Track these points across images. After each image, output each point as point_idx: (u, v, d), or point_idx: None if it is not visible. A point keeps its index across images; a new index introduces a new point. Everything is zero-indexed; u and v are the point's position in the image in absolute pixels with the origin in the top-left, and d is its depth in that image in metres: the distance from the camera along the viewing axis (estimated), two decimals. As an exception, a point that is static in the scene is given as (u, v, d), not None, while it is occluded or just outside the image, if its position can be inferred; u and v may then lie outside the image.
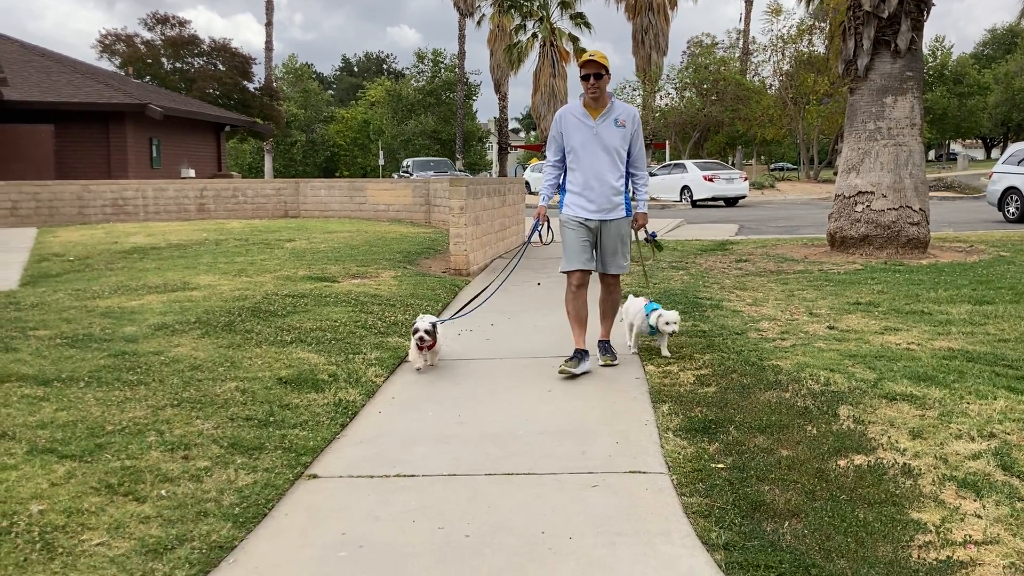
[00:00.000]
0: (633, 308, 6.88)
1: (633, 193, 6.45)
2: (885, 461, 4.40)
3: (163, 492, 4.11)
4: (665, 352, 6.63)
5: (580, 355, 6.31)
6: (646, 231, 6.66)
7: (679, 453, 4.62)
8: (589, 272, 6.41)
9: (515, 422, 5.28)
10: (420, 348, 6.33)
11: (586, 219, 6.30)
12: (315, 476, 4.47)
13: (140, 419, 5.04)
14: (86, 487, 4.10)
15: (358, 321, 7.94)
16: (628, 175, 6.45)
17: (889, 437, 4.75)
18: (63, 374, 5.87)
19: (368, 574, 3.44)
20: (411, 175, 39.33)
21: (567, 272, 6.39)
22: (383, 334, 7.55)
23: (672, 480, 4.30)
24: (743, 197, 32.20)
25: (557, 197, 6.53)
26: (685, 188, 32.00)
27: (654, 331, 6.60)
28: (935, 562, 3.40)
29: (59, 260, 12.50)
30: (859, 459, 4.44)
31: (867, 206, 12.14)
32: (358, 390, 5.88)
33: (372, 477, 4.45)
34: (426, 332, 6.23)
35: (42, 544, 3.55)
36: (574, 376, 6.17)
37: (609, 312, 6.70)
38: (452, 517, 3.95)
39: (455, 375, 6.41)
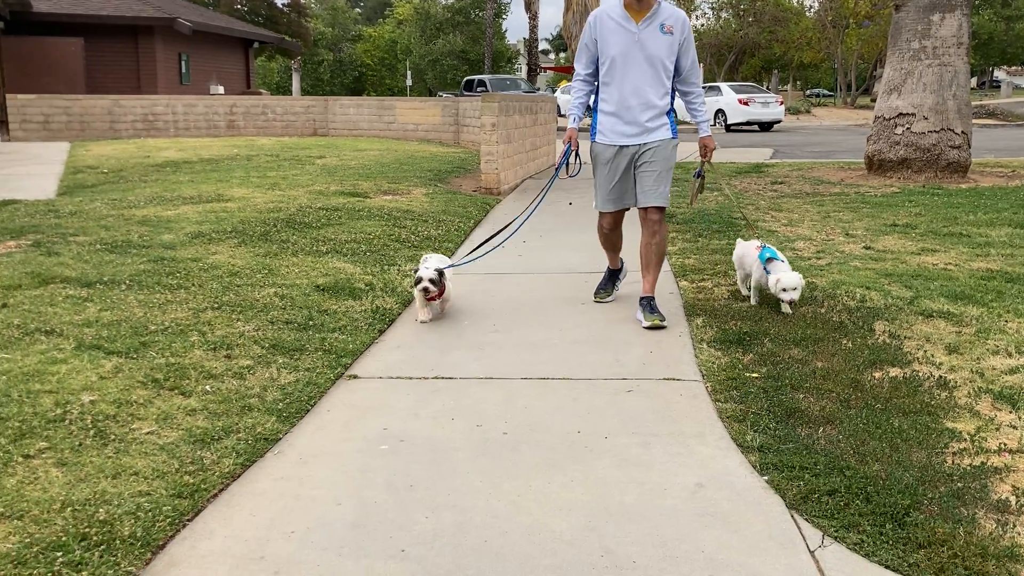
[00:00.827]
0: (748, 257, 5.69)
1: (692, 115, 5.48)
2: (920, 374, 4.41)
3: (207, 388, 4.21)
4: (787, 310, 5.41)
5: (613, 276, 5.97)
6: (704, 164, 5.61)
7: (713, 363, 4.66)
8: (623, 212, 5.63)
9: (549, 332, 5.32)
10: (427, 299, 5.41)
11: (622, 146, 5.35)
12: (355, 376, 4.56)
13: (182, 320, 5.15)
14: (133, 381, 4.21)
15: (391, 235, 7.98)
16: (675, 93, 5.47)
17: (925, 352, 4.74)
18: (104, 277, 5.98)
19: (409, 465, 3.53)
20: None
21: (601, 213, 5.64)
22: (416, 247, 7.59)
23: (706, 387, 4.34)
24: (778, 122, 31.62)
25: (589, 120, 5.67)
26: (719, 112, 31.43)
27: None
28: (969, 467, 3.43)
29: (93, 172, 12.60)
30: (894, 371, 4.45)
31: (907, 128, 11.88)
32: (394, 299, 5.94)
33: (411, 379, 4.53)
34: (431, 281, 5.27)
35: (95, 431, 3.67)
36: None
37: (654, 260, 5.46)
38: (489, 416, 4.02)
39: (489, 289, 6.46)
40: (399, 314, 5.71)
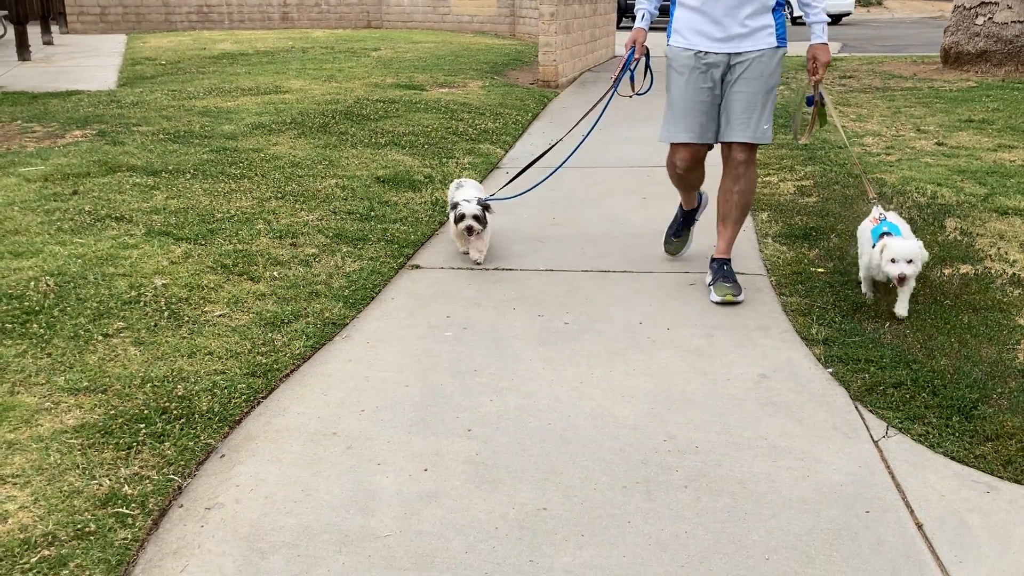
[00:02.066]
0: (862, 235, 4.00)
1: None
2: (993, 271, 4.30)
3: (275, 274, 4.30)
4: (901, 311, 3.75)
5: (688, 220, 4.54)
6: (816, 86, 3.98)
7: (778, 257, 4.59)
8: (706, 148, 4.09)
9: (609, 225, 5.28)
10: (469, 234, 4.51)
11: (707, 52, 3.87)
12: (417, 267, 4.61)
13: (247, 209, 5.22)
14: (203, 266, 4.31)
15: (449, 127, 7.91)
16: None
17: (998, 249, 4.61)
18: (169, 166, 6.06)
19: (473, 352, 3.59)
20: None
21: (674, 144, 4.08)
22: (474, 140, 7.53)
23: (771, 281, 4.29)
24: (847, 15, 30.21)
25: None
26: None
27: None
28: (1041, 364, 3.37)
29: (151, 64, 12.63)
30: (965, 268, 4.35)
31: (989, 18, 11.27)
32: (453, 191, 5.93)
33: (472, 270, 4.56)
34: (475, 218, 4.42)
35: (169, 313, 3.79)
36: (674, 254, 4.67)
37: (734, 214, 4.09)
38: (551, 307, 4.05)
39: (547, 182, 6.39)
40: (459, 206, 5.70)
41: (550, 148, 5.19)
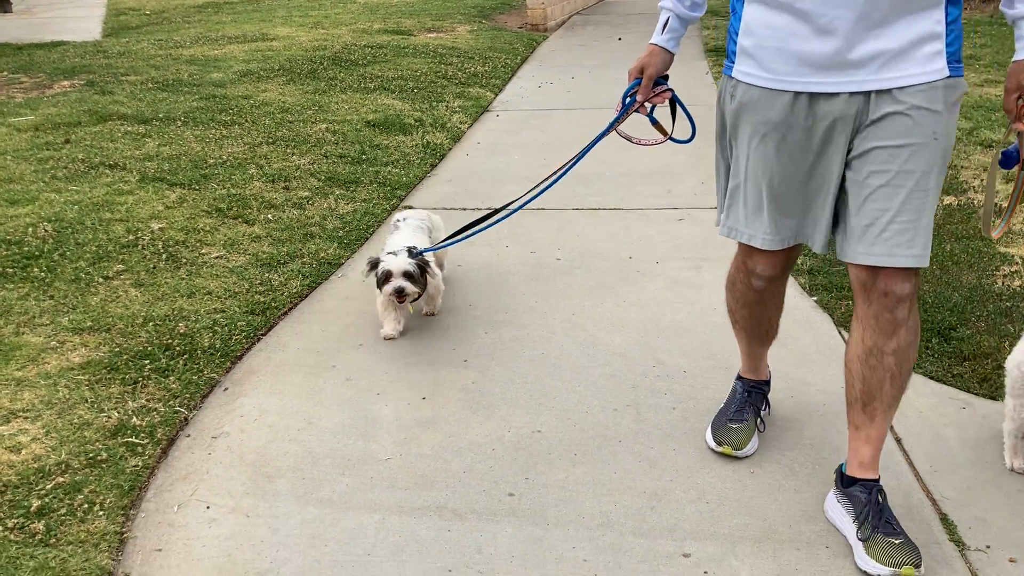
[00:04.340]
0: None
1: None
2: (976, 202, 4.38)
3: (269, 217, 4.35)
4: None
5: (754, 397, 2.66)
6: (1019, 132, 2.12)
7: (765, 192, 4.66)
8: (791, 254, 2.38)
9: (600, 166, 5.33)
10: (400, 302, 3.20)
11: (814, 94, 2.04)
12: (411, 207, 4.66)
13: (239, 154, 5.24)
14: (198, 210, 4.36)
15: (438, 72, 7.89)
16: None
17: (982, 181, 4.69)
18: (160, 114, 6.06)
19: (467, 287, 3.67)
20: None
21: (753, 248, 2.34)
22: (464, 84, 7.52)
23: (758, 215, 4.36)
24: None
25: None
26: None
27: None
28: (1020, 288, 3.47)
29: (136, 14, 12.47)
30: (949, 199, 4.43)
31: (979, -46, 11.17)
32: (444, 134, 5.96)
33: (464, 210, 4.62)
34: (406, 276, 3.14)
35: (167, 256, 3.85)
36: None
37: (887, 391, 2.19)
38: (543, 243, 4.12)
39: (537, 125, 6.43)
40: (449, 149, 5.74)
41: (517, 203, 3.26)
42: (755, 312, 2.51)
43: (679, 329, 3.28)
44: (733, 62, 2.18)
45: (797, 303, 3.45)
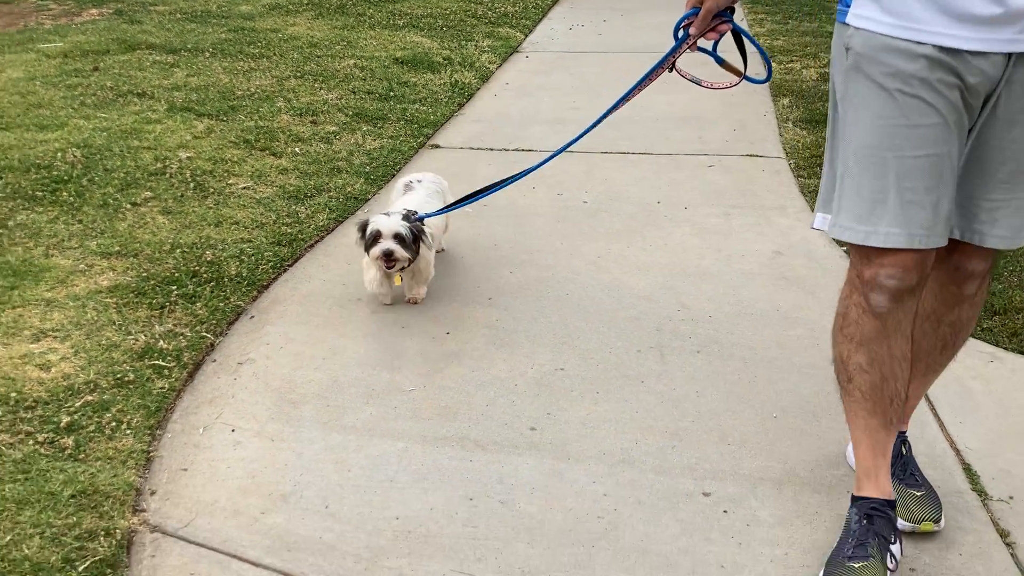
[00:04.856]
0: None
1: None
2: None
3: (297, 150, 4.33)
4: None
5: (876, 528, 1.92)
6: None
7: (798, 141, 4.58)
8: (924, 260, 1.80)
9: (631, 110, 5.21)
10: (388, 267, 2.93)
11: (960, 51, 1.66)
12: (437, 146, 4.63)
13: (267, 87, 5.21)
14: (225, 141, 4.35)
15: (468, 11, 7.77)
16: None
17: None
18: (188, 45, 6.02)
19: (493, 227, 3.65)
20: None
21: (871, 249, 1.79)
22: (494, 24, 7.40)
23: (789, 164, 4.30)
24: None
25: None
26: None
27: None
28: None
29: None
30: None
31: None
32: (473, 74, 5.89)
33: (491, 150, 4.58)
34: (397, 239, 2.87)
35: (195, 185, 3.85)
36: None
37: (939, 355, 2.15)
38: (570, 186, 4.09)
39: (567, 67, 6.33)
40: (477, 89, 5.67)
41: (522, 174, 3.00)
42: (877, 356, 1.85)
43: (705, 275, 3.26)
44: (848, 4, 1.76)
45: (826, 252, 3.41)
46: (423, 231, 2.95)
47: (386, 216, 2.91)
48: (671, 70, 2.23)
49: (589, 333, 2.88)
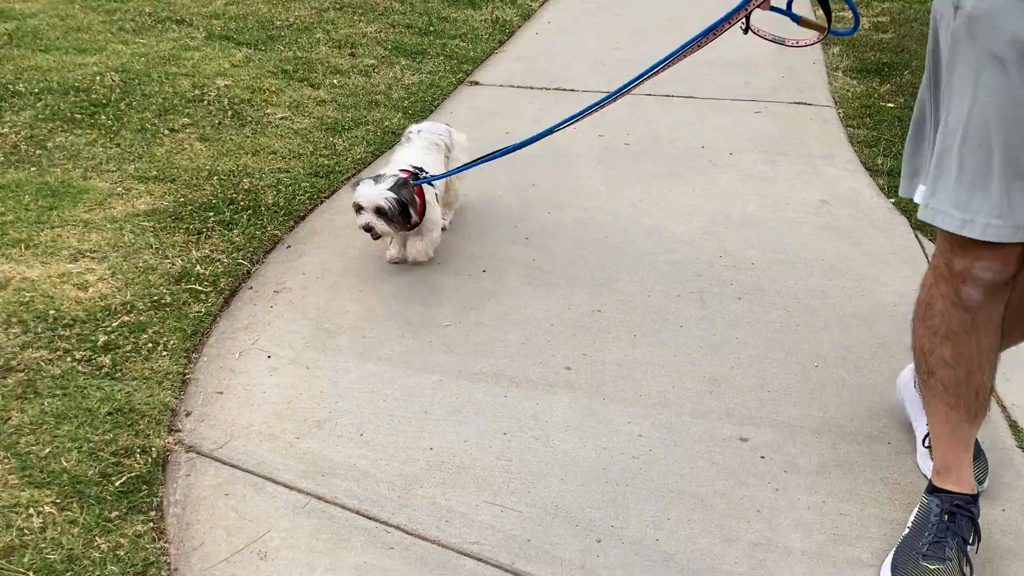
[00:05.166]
0: None
1: None
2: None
3: (335, 82, 4.28)
4: None
5: (957, 528, 1.77)
6: None
7: (848, 90, 4.45)
8: None
9: (674, 53, 5.13)
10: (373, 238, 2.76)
11: None
12: (476, 83, 4.55)
13: (305, 18, 5.14)
14: (264, 71, 4.30)
15: (511, -52, 7.59)
16: None
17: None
18: (227, -26, 5.94)
19: (531, 166, 3.59)
20: None
21: (966, 238, 1.59)
22: (537, -38, 7.22)
23: (838, 113, 4.18)
24: None
25: None
26: None
27: None
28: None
29: None
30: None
31: None
32: (514, 11, 5.77)
33: (531, 88, 4.49)
34: (378, 213, 2.64)
35: (232, 113, 3.82)
36: None
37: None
38: (612, 127, 4.00)
39: (612, 7, 6.18)
40: (519, 26, 5.56)
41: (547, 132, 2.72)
42: (964, 351, 1.70)
43: (749, 222, 3.19)
44: None
45: (874, 203, 3.32)
46: (413, 201, 2.64)
47: (372, 183, 2.63)
48: (746, 31, 2.07)
49: (628, 276, 2.84)
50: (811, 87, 4.51)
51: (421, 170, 2.77)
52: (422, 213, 2.75)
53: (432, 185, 2.81)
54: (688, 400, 2.27)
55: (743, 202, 3.32)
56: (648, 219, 3.20)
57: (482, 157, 2.78)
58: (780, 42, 2.09)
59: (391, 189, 2.61)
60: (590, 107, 2.53)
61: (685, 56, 2.23)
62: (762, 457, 2.08)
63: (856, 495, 1.98)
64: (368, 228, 2.66)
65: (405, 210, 2.64)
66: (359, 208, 2.65)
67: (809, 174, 3.55)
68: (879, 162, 3.60)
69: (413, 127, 3.07)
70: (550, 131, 2.61)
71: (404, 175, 2.70)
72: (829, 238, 3.08)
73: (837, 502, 1.96)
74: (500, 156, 2.75)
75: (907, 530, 1.82)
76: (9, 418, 2.07)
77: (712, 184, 3.47)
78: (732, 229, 3.13)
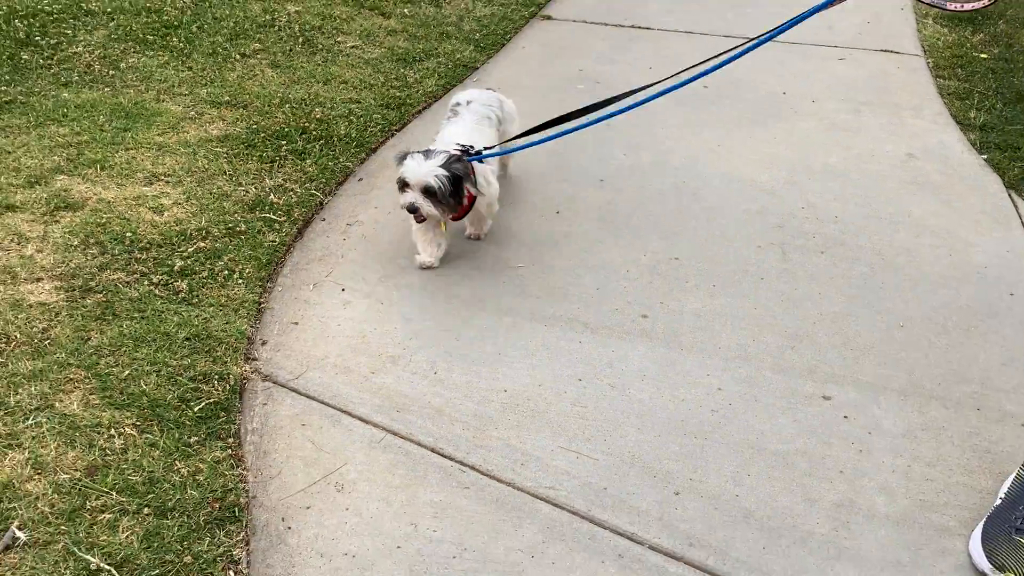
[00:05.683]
0: None
1: None
2: None
3: (406, 12, 4.19)
4: None
5: None
6: None
7: (938, 39, 4.25)
8: None
9: (753, -7, 4.94)
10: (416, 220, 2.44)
11: None
12: (549, 17, 4.42)
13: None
14: (334, -2, 4.22)
15: None
16: None
17: None
18: None
19: (602, 89, 3.49)
20: None
21: None
22: None
23: (927, 63, 4.00)
24: None
25: None
26: None
27: None
28: None
29: None
30: None
31: None
32: (587, -56, 5.58)
33: (606, 25, 4.36)
34: (427, 193, 2.32)
35: (303, 40, 3.76)
36: None
37: None
38: (688, 61, 3.86)
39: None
40: (592, -39, 5.38)
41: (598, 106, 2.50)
42: None
43: (832, 172, 3.07)
44: None
45: (965, 159, 3.18)
46: (468, 175, 2.35)
47: (421, 157, 2.32)
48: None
49: (707, 224, 2.76)
50: (898, 34, 4.32)
51: (470, 147, 2.45)
52: (471, 201, 2.46)
53: (485, 161, 2.50)
54: (769, 355, 2.21)
55: (826, 152, 3.21)
56: (727, 165, 3.10)
57: (545, 130, 2.44)
58: (942, 7, 1.97)
59: (442, 165, 2.30)
60: (692, 77, 2.31)
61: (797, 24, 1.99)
62: (845, 417, 2.03)
63: (943, 461, 1.92)
64: (413, 209, 2.33)
65: (457, 190, 2.33)
66: (404, 185, 2.33)
67: (895, 126, 3.41)
68: (971, 116, 3.44)
69: (460, 96, 2.74)
70: (641, 102, 2.42)
71: (456, 152, 2.40)
72: (916, 193, 2.96)
73: (923, 467, 1.90)
74: (567, 133, 2.46)
75: (999, 501, 1.77)
76: (89, 338, 2.09)
77: (793, 132, 3.35)
78: (814, 180, 3.02)
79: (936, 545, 1.72)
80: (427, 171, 2.29)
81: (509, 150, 2.59)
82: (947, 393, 2.11)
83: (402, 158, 2.36)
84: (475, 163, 2.42)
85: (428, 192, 2.30)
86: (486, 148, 2.49)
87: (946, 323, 2.36)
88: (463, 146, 2.43)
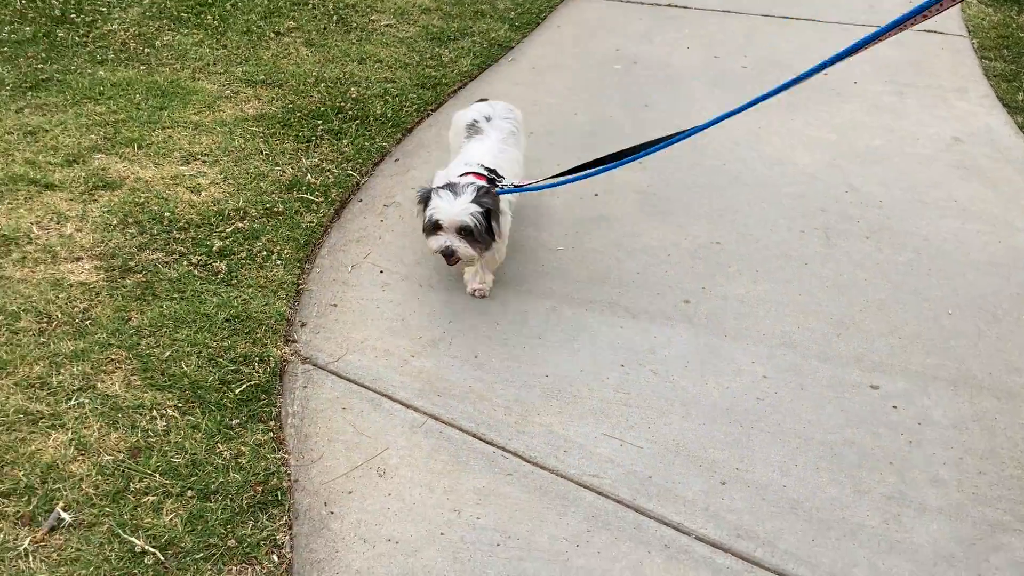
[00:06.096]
0: None
1: None
2: None
3: (439, -10, 4.14)
4: None
5: None
6: None
7: (983, 19, 4.15)
8: None
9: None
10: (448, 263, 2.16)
11: None
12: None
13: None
14: (367, -24, 4.18)
15: None
16: None
17: None
18: None
19: (643, 87, 3.44)
20: None
21: None
22: None
23: (973, 43, 3.90)
24: None
25: None
26: None
27: None
28: None
29: None
30: None
31: None
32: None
33: (642, 4, 4.29)
34: (462, 234, 2.06)
35: (337, 18, 3.73)
36: None
37: None
38: (728, 49, 3.81)
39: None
40: (627, -62, 5.30)
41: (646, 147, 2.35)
42: None
43: (876, 156, 3.01)
44: None
45: (1012, 143, 3.10)
46: (496, 206, 2.05)
47: (451, 195, 2.04)
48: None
49: (748, 207, 2.71)
50: (943, 14, 4.21)
51: (495, 173, 2.22)
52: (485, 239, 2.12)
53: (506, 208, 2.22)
54: (815, 342, 2.17)
55: (869, 135, 3.14)
56: (768, 148, 3.05)
57: (588, 168, 2.23)
58: None
59: (474, 200, 2.02)
60: (757, 99, 2.02)
61: (886, 37, 1.80)
62: (894, 407, 1.99)
63: (996, 454, 1.87)
64: (449, 253, 2.04)
65: (490, 225, 2.06)
66: (436, 226, 2.04)
67: (940, 108, 3.33)
68: (1019, 98, 3.36)
69: (478, 110, 2.44)
70: (704, 126, 2.16)
71: (481, 181, 2.12)
72: (963, 178, 2.89)
73: (975, 460, 1.86)
74: (611, 168, 2.21)
75: None
76: (129, 319, 2.08)
77: (836, 114, 3.28)
78: (858, 163, 2.96)
79: (990, 540, 1.68)
80: (461, 210, 2.03)
81: (541, 186, 2.25)
82: (999, 383, 2.06)
83: (426, 197, 2.10)
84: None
85: (464, 232, 2.05)
86: (514, 176, 2.27)
87: (996, 311, 2.30)
88: (488, 170, 2.19)
